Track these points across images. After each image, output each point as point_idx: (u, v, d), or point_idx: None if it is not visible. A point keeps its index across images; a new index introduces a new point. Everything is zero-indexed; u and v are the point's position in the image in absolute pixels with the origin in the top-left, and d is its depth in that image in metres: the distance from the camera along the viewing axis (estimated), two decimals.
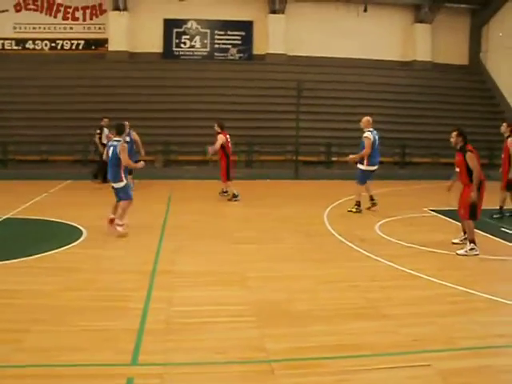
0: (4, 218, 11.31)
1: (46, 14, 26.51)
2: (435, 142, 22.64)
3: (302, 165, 21.53)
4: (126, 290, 6.87)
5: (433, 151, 23.45)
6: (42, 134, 22.06)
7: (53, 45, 26.60)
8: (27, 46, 26.41)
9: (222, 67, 26.34)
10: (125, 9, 26.20)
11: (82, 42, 26.82)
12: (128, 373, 4.70)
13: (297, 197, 15.25)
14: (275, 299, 6.60)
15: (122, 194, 10.06)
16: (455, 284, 7.20)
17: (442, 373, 4.73)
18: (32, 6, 26.43)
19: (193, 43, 27.29)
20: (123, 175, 10.02)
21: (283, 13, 27.09)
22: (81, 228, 10.35)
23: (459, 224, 9.76)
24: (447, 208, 11.82)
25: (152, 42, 26.61)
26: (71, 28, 26.71)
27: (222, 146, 13.99)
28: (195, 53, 27.38)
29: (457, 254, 8.86)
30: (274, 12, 27.07)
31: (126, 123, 12.71)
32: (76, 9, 26.66)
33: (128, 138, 14.03)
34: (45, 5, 26.46)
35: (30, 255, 8.33)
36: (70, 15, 26.69)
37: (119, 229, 9.83)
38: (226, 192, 14.53)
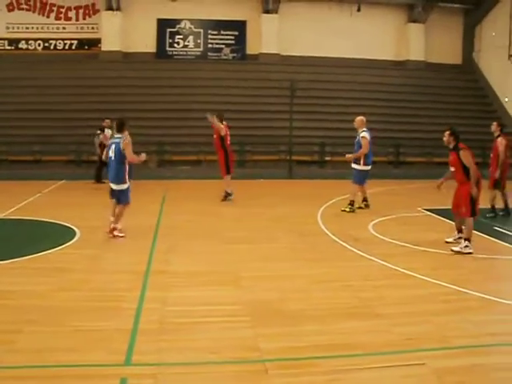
0: None
1: (38, 13, 26.46)
2: (429, 141, 22.69)
3: (296, 164, 21.56)
4: (120, 290, 6.85)
5: (426, 150, 23.54)
6: (35, 134, 22.01)
7: (46, 45, 26.55)
8: (20, 46, 26.37)
9: (215, 67, 26.35)
10: (118, 9, 26.17)
11: (75, 42, 26.78)
12: (121, 373, 4.68)
13: (290, 196, 15.25)
14: (269, 299, 6.60)
15: (122, 197, 9.76)
16: (448, 283, 7.21)
17: (437, 371, 4.74)
18: (25, 6, 26.37)
19: (186, 43, 27.29)
20: (127, 177, 9.73)
21: (276, 12, 27.14)
22: (74, 228, 10.31)
23: (453, 223, 9.80)
24: (441, 207, 11.85)
25: (145, 41, 26.60)
26: (64, 28, 26.66)
27: (221, 138, 13.56)
28: (189, 53, 27.39)
29: (451, 250, 8.87)
30: (267, 12, 27.12)
31: None
32: (69, 9, 26.63)
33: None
34: (38, 5, 26.42)
35: (23, 256, 8.29)
36: (62, 15, 26.65)
37: (119, 235, 9.70)
38: (230, 194, 13.87)
